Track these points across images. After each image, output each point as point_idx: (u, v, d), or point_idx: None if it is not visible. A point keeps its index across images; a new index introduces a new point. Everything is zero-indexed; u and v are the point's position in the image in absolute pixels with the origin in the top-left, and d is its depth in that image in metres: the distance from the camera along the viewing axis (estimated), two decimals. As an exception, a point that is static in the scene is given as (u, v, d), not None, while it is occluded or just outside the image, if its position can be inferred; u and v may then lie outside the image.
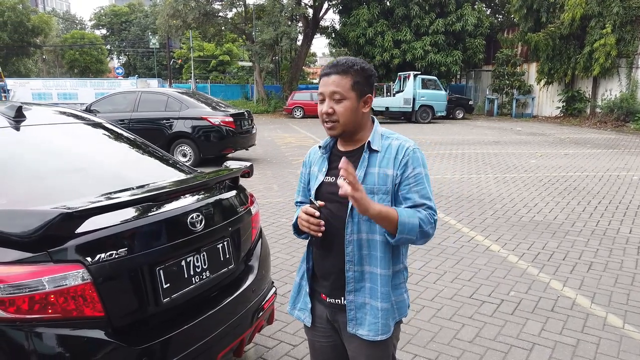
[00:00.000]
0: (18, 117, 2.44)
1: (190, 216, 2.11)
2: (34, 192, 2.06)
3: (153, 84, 27.91)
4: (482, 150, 12.58)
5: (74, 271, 1.70)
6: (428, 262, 4.54)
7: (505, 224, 5.77)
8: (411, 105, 21.94)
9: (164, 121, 9.57)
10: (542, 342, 3.13)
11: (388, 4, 27.79)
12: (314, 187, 1.77)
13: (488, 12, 31.94)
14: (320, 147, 1.83)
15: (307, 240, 1.86)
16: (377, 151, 1.70)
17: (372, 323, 1.68)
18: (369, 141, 1.71)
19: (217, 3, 28.21)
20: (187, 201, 2.20)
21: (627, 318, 3.44)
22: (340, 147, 1.78)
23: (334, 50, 37.03)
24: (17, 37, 41.54)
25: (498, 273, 4.28)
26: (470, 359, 2.94)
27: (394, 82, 24.00)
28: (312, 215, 1.64)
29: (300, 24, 29.97)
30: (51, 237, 1.67)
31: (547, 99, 25.29)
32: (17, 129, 2.41)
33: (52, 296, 1.66)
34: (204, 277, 2.19)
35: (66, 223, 1.67)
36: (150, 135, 9.38)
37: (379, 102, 22.35)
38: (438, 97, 22.35)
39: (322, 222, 1.65)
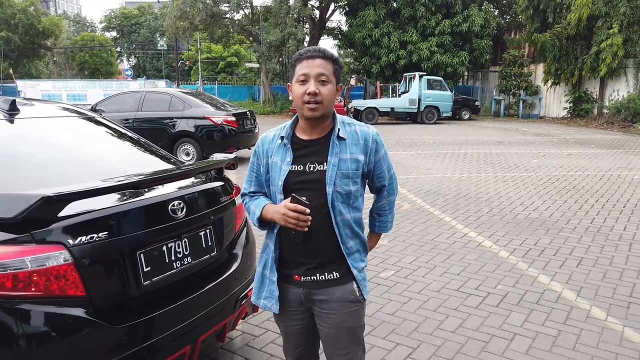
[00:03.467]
0: (12, 110, 2.55)
1: (172, 204, 2.20)
2: (24, 180, 2.17)
3: (161, 85, 28.17)
4: (485, 150, 12.59)
5: (55, 252, 1.80)
6: (419, 256, 4.61)
7: (500, 222, 5.82)
8: (417, 106, 21.96)
9: (168, 120, 9.71)
10: (524, 332, 3.19)
11: (394, 5, 27.82)
12: (280, 178, 1.79)
13: (496, 13, 31.87)
14: (281, 136, 1.83)
15: (270, 231, 1.88)
16: (344, 139, 1.79)
17: (364, 286, 1.90)
18: (338, 128, 1.79)
19: (224, 5, 28.41)
20: (169, 189, 2.29)
21: (611, 311, 3.49)
22: (302, 136, 1.82)
23: (342, 52, 37.13)
24: (28, 39, 42.04)
25: (487, 268, 4.33)
26: (450, 347, 3.00)
27: (399, 83, 24.04)
28: (303, 213, 1.69)
29: (306, 26, 30.09)
30: (34, 219, 1.77)
31: (555, 100, 25.17)
32: (11, 121, 2.52)
33: (35, 275, 1.76)
34: (185, 262, 2.28)
35: (48, 206, 1.77)
36: (154, 134, 9.55)
37: (385, 103, 22.41)
38: (444, 98, 22.34)
39: (310, 218, 1.71)
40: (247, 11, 30.23)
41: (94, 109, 10.11)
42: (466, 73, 31.80)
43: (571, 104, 23.10)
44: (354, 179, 1.80)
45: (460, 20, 26.37)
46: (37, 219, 1.78)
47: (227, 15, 29.36)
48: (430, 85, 22.34)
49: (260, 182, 1.92)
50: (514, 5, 28.40)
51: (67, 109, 3.08)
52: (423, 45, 26.30)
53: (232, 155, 2.76)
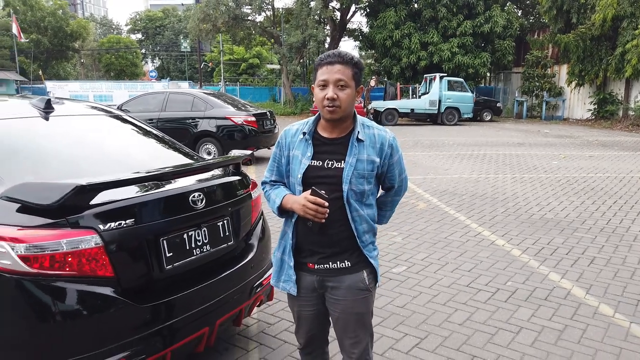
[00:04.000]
0: (47, 109, 2.77)
1: (192, 195, 2.38)
2: (59, 171, 2.37)
3: (184, 86, 28.70)
4: (505, 151, 12.55)
5: (87, 236, 1.99)
6: (432, 254, 4.71)
7: (515, 221, 5.87)
8: (437, 107, 21.90)
9: (190, 120, 9.98)
10: (530, 326, 3.27)
11: (415, 6, 27.77)
12: (300, 171, 1.92)
13: (519, 14, 31.52)
14: (303, 132, 1.96)
15: (289, 219, 2.00)
16: (362, 140, 1.91)
17: (378, 273, 2.05)
18: (357, 130, 1.91)
19: (247, 7, 28.78)
20: (190, 182, 2.47)
21: (619, 308, 3.54)
22: (323, 134, 1.95)
23: (363, 53, 37.19)
24: (57, 41, 43.28)
25: (498, 265, 4.41)
26: (457, 338, 3.11)
27: (419, 84, 24.01)
28: (322, 205, 1.82)
29: (327, 27, 30.27)
30: (69, 206, 1.96)
31: (578, 102, 24.79)
32: (47, 118, 2.74)
33: (70, 256, 1.95)
34: (204, 250, 2.46)
35: (81, 195, 1.95)
36: (177, 134, 9.78)
37: (404, 104, 22.41)
38: (464, 99, 22.23)
39: (328, 210, 1.84)
40: (268, 13, 30.57)
41: (119, 109, 10.44)
42: (488, 74, 31.53)
43: (595, 106, 22.73)
44: (369, 179, 1.92)
45: (482, 21, 26.18)
46: (72, 205, 1.97)
47: (249, 18, 29.73)
48: (451, 87, 22.26)
49: (280, 172, 2.05)
50: (537, 6, 28.04)
51: (97, 108, 3.31)
52: (444, 47, 26.20)
53: (248, 152, 2.92)
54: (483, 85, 31.92)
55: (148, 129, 3.30)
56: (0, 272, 1.86)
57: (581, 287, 3.92)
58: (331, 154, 1.92)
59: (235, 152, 2.98)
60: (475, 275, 4.18)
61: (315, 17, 27.36)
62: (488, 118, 24.66)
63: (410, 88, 23.78)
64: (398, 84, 24.63)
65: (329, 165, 1.90)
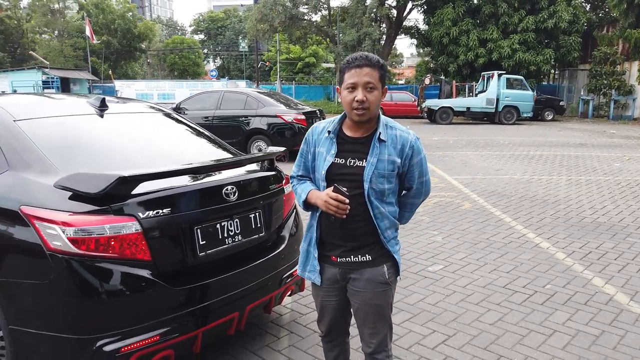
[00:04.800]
0: (102, 107, 3.04)
1: (225, 188, 2.55)
2: (108, 163, 2.61)
3: (242, 85, 29.53)
4: (563, 152, 12.04)
5: (129, 222, 2.19)
6: (471, 254, 4.68)
7: (564, 224, 5.68)
8: (494, 106, 21.27)
9: (243, 118, 10.33)
10: (564, 330, 3.21)
11: (475, 1, 27.06)
12: (323, 167, 2.01)
13: (587, 8, 29.94)
14: (328, 130, 2.05)
15: (314, 213, 2.11)
16: (384, 141, 1.98)
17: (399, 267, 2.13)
18: (379, 131, 1.98)
19: (303, 7, 29.16)
20: (224, 175, 2.65)
21: (665, 317, 3.39)
22: (348, 133, 2.03)
23: (421, 50, 36.65)
24: (125, 42, 45.72)
25: (540, 268, 4.32)
26: (486, 338, 3.11)
27: (476, 82, 23.39)
28: (342, 202, 1.91)
29: (383, 25, 30.10)
30: (113, 195, 2.17)
31: (651, 100, 23.24)
32: (101, 116, 3.01)
33: (113, 240, 2.16)
34: (236, 240, 2.62)
35: (123, 185, 2.16)
36: (230, 131, 10.21)
37: (460, 102, 21.94)
38: (524, 98, 21.46)
39: (349, 207, 1.93)
40: (324, 12, 30.82)
41: (178, 107, 10.99)
42: (552, 72, 30.18)
43: (670, 105, 21.24)
44: (389, 178, 1.98)
45: (545, 16, 25.11)
46: (115, 194, 2.18)
47: (305, 17, 30.10)
48: (510, 84, 21.55)
49: (307, 167, 2.15)
50: (606, 0, 26.51)
51: (148, 107, 3.57)
52: (504, 43, 25.37)
53: (282, 149, 3.07)
54: (546, 83, 30.65)
55: (193, 126, 3.53)
56: (53, 252, 2.10)
57: (626, 293, 3.78)
58: (354, 152, 2.00)
59: (270, 149, 3.13)
60: (513, 277, 4.12)
61: (372, 15, 27.30)
62: (550, 117, 23.65)
63: (467, 86, 23.27)
64: (454, 82, 24.12)
65: (351, 163, 1.98)
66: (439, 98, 22.96)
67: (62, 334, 2.12)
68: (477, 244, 4.99)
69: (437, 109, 21.61)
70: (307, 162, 2.14)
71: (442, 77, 25.52)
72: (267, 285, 2.78)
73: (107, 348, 2.11)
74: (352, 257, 2.04)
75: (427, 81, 23.31)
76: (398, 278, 2.16)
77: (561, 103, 24.59)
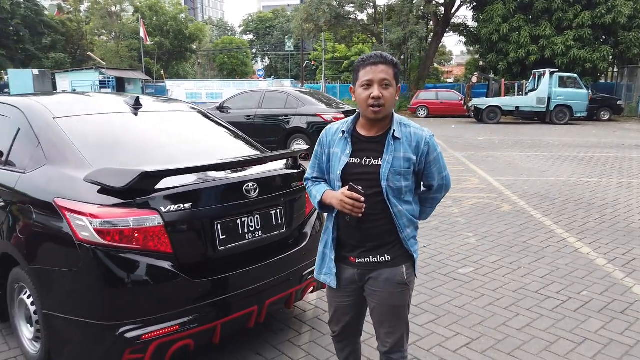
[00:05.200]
0: (136, 105, 3.19)
1: (246, 184, 2.62)
2: (136, 159, 2.73)
3: (286, 84, 29.88)
4: (617, 154, 11.45)
5: (152, 216, 2.30)
6: (505, 257, 4.55)
7: (608, 230, 5.42)
8: (545, 105, 20.45)
9: (283, 117, 10.46)
10: (596, 338, 3.08)
11: (527, -3, 26.14)
12: (339, 167, 2.01)
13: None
14: (342, 130, 2.06)
15: (330, 214, 2.11)
16: (399, 138, 1.98)
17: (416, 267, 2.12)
18: (393, 130, 1.98)
19: (349, 6, 29.12)
20: (246, 172, 2.72)
21: None
22: (362, 132, 2.04)
23: (471, 48, 35.74)
24: (177, 43, 47.28)
25: (577, 274, 4.15)
26: (511, 343, 3.03)
27: (527, 81, 22.59)
28: (358, 200, 1.92)
29: (430, 23, 29.62)
30: (137, 189, 2.28)
31: None
32: (135, 114, 3.16)
33: (136, 232, 2.27)
34: (256, 235, 2.68)
35: (147, 180, 2.26)
36: (271, 130, 10.37)
37: (508, 102, 21.26)
38: (578, 97, 20.51)
39: (365, 205, 1.93)
40: (370, 11, 30.65)
41: (221, 106, 11.27)
42: (610, 69, 28.71)
43: None
44: (406, 176, 1.97)
45: (603, 11, 23.87)
46: (139, 189, 2.29)
47: (351, 16, 30.06)
48: (563, 83, 20.66)
49: (322, 169, 2.16)
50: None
51: (181, 105, 3.70)
52: (558, 40, 24.35)
53: (305, 147, 3.10)
54: (603, 81, 29.16)
55: (223, 123, 3.63)
56: (81, 242, 2.23)
57: (669, 303, 3.58)
58: (369, 151, 2.00)
59: (294, 147, 3.18)
60: (547, 282, 3.98)
61: (419, 12, 26.91)
62: (606, 117, 22.50)
63: (517, 84, 22.51)
64: (503, 80, 23.39)
65: (367, 163, 1.99)
66: (487, 97, 22.35)
67: (88, 320, 2.26)
68: (512, 247, 4.85)
69: (484, 108, 21.05)
70: (322, 163, 2.14)
71: (491, 75, 24.84)
72: (288, 281, 2.83)
73: (129, 335, 2.22)
74: (371, 257, 2.04)
75: (474, 79, 22.77)
76: (415, 279, 2.15)
77: (619, 102, 23.32)
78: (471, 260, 4.47)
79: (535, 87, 21.10)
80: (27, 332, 2.73)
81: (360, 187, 1.90)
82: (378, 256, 2.03)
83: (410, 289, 2.12)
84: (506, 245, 4.89)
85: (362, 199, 1.90)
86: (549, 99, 20.39)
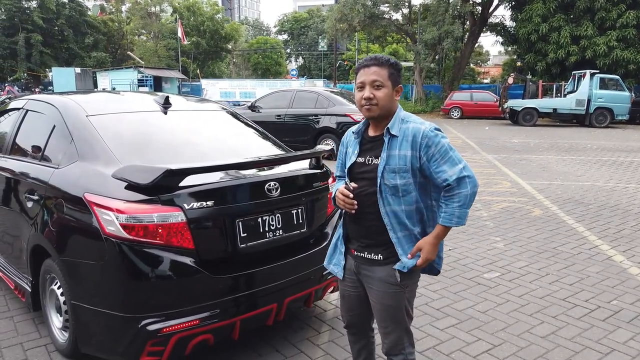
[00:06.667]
0: (166, 104, 3.28)
1: (268, 184, 2.66)
2: (163, 157, 2.81)
3: (319, 84, 29.95)
4: (659, 159, 11.00)
5: (175, 212, 2.37)
6: (533, 263, 4.45)
7: (645, 237, 5.23)
8: (584, 108, 19.82)
9: (313, 117, 10.51)
10: (624, 349, 2.98)
11: (568, -3, 25.36)
12: (347, 166, 2.11)
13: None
14: (353, 132, 2.15)
15: (341, 210, 2.17)
16: (396, 136, 2.00)
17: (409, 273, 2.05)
18: (387, 127, 2.00)
19: (384, 5, 28.93)
20: (268, 171, 2.76)
21: None
22: (370, 133, 2.11)
23: (509, 48, 34.94)
24: (213, 43, 48.04)
25: (608, 282, 4.02)
26: (534, 351, 2.97)
27: (566, 82, 21.93)
28: (347, 196, 2.00)
29: (467, 22, 29.12)
30: (161, 186, 2.35)
31: None
32: (165, 112, 3.25)
33: (160, 228, 2.34)
34: (277, 234, 2.72)
35: (171, 177, 2.33)
36: (301, 129, 10.45)
37: (546, 103, 20.72)
38: (619, 99, 19.80)
39: (355, 202, 2.00)
40: (405, 11, 30.38)
41: (253, 105, 11.41)
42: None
43: None
44: (401, 173, 1.97)
45: (649, 10, 22.92)
46: (163, 186, 2.36)
47: (385, 16, 29.86)
48: (604, 85, 19.98)
49: (343, 167, 2.22)
50: None
51: (211, 105, 3.79)
52: (600, 40, 23.51)
53: (329, 147, 3.13)
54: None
55: (250, 123, 3.69)
56: (108, 236, 2.32)
57: None
58: (371, 150, 2.06)
59: (318, 147, 3.21)
60: (576, 289, 3.88)
61: (455, 12, 26.48)
62: (649, 121, 21.61)
63: (555, 86, 21.90)
64: (540, 81, 22.78)
65: (369, 162, 2.05)
66: (523, 98, 21.83)
67: (112, 312, 2.34)
68: (541, 253, 4.73)
69: (520, 109, 20.56)
70: (343, 162, 2.21)
71: (528, 76, 24.21)
72: (308, 280, 2.86)
73: (151, 327, 2.30)
74: (365, 253, 2.10)
75: (510, 80, 22.23)
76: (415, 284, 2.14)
77: (664, 105, 22.35)
78: (497, 265, 4.39)
79: (575, 89, 20.50)
80: (57, 321, 2.85)
81: (353, 185, 2.00)
82: (372, 254, 2.08)
83: (407, 292, 2.08)
84: (535, 251, 4.77)
85: (350, 195, 1.99)
86: (589, 101, 19.76)
